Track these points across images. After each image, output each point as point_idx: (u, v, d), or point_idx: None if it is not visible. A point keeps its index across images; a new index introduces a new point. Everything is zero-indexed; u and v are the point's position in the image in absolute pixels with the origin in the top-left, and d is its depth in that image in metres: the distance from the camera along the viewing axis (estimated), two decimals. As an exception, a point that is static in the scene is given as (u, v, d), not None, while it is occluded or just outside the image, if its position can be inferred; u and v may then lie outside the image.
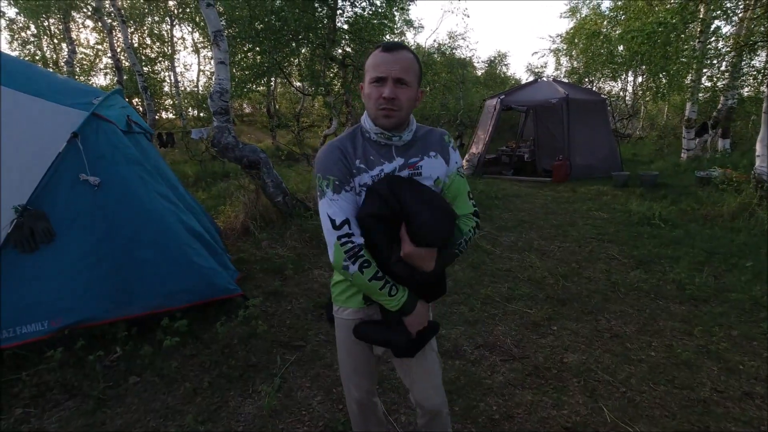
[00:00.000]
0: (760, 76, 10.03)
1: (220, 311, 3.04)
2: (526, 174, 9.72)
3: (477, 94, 18.19)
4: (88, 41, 15.82)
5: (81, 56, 15.22)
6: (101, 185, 2.68)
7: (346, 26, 9.63)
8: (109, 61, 14.49)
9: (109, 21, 11.74)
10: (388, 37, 11.92)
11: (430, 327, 1.34)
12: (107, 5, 11.26)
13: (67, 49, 11.96)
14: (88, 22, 14.01)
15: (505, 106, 9.96)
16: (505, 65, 26.47)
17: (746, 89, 11.48)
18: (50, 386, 2.37)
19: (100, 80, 17.32)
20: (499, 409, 2.21)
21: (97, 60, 15.97)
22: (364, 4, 9.33)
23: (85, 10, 12.14)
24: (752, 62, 10.68)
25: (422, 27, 34.37)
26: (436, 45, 18.24)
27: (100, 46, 15.39)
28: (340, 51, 10.04)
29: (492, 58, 26.06)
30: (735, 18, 9.55)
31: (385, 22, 10.13)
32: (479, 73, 24.22)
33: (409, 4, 10.63)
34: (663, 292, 3.53)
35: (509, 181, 9.35)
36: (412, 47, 16.43)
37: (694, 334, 2.87)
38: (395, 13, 11.02)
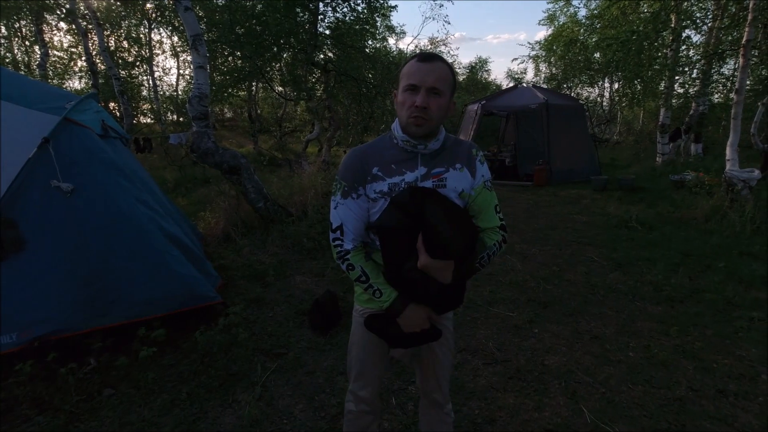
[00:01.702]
0: (729, 83, 10.43)
1: (200, 319, 2.97)
2: (508, 178, 9.85)
3: (458, 99, 18.39)
4: (61, 44, 15.40)
5: (54, 59, 14.82)
6: (75, 191, 2.60)
7: (327, 31, 9.62)
8: (84, 64, 14.16)
9: (84, 24, 11.47)
10: (369, 42, 11.99)
11: (428, 333, 1.33)
12: (82, 7, 11.00)
13: (39, 52, 11.62)
14: (62, 24, 13.66)
15: (486, 111, 10.10)
16: (486, 71, 26.91)
17: (716, 96, 11.92)
18: (20, 400, 2.28)
19: (75, 84, 16.89)
20: (482, 412, 2.22)
21: (72, 63, 15.56)
22: (345, 9, 9.35)
23: (58, 12, 11.81)
24: (721, 70, 11.10)
25: (404, 33, 34.65)
26: (417, 51, 18.39)
27: (74, 49, 15.00)
28: (322, 56, 10.03)
29: (473, 64, 26.49)
30: (704, 27, 9.92)
31: (367, 27, 10.17)
32: (461, 78, 24.53)
33: (391, 10, 10.66)
34: (640, 294, 3.61)
35: (491, 185, 9.43)
36: (394, 53, 16.56)
37: (670, 334, 2.94)
38: (377, 18, 11.06)
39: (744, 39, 6.12)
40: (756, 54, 7.56)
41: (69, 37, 14.68)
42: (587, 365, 2.62)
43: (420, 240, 1.19)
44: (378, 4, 9.66)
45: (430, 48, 20.01)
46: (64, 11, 11.25)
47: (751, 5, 6.02)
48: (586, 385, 2.42)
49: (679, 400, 2.27)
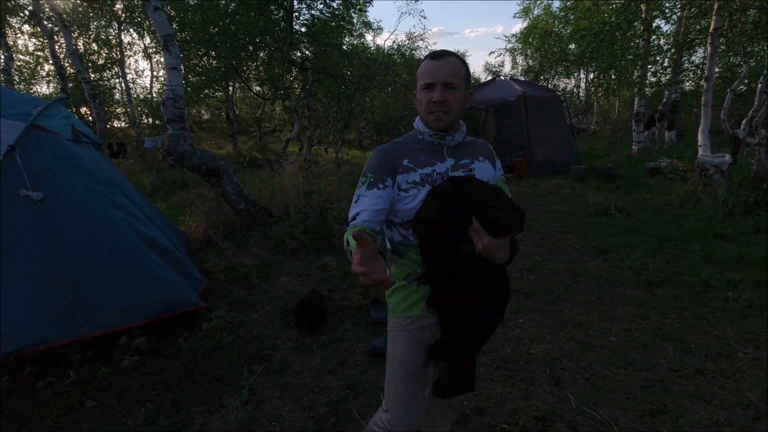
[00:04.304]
0: (698, 71, 10.70)
1: (183, 325, 2.91)
2: (489, 171, 9.91)
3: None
4: (26, 47, 14.85)
5: (19, 63, 14.29)
6: (47, 199, 2.52)
7: (303, 29, 9.52)
8: (52, 68, 13.69)
9: (50, 26, 11.08)
10: (346, 39, 11.90)
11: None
12: (47, 9, 10.63)
13: (3, 56, 11.16)
14: (26, 27, 13.15)
15: (465, 105, 10.14)
16: (464, 65, 27.01)
17: (687, 83, 12.23)
18: (-4, 418, 2.20)
19: (43, 89, 16.36)
20: (470, 403, 2.24)
21: (38, 67, 15.04)
22: (320, 6, 9.26)
23: (21, 14, 11.36)
24: (691, 58, 11.38)
25: (381, 29, 34.58)
26: (395, 46, 18.37)
27: (40, 53, 14.49)
28: (298, 54, 9.92)
29: (451, 59, 26.53)
30: (673, 17, 10.15)
31: (343, 24, 10.09)
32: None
33: (367, 5, 10.59)
34: (621, 279, 3.68)
35: (472, 178, 9.51)
36: (371, 49, 16.48)
37: (650, 318, 3.01)
38: (353, 15, 11.00)
39: (711, 27, 6.27)
40: (723, 42, 7.76)
41: (34, 40, 14.16)
42: (571, 352, 2.66)
43: (476, 223, 1.16)
44: (353, 0, 9.59)
45: (408, 43, 20.01)
46: (28, 13, 10.84)
47: (717, -6, 6.17)
48: (571, 372, 2.47)
49: (660, 381, 2.33)
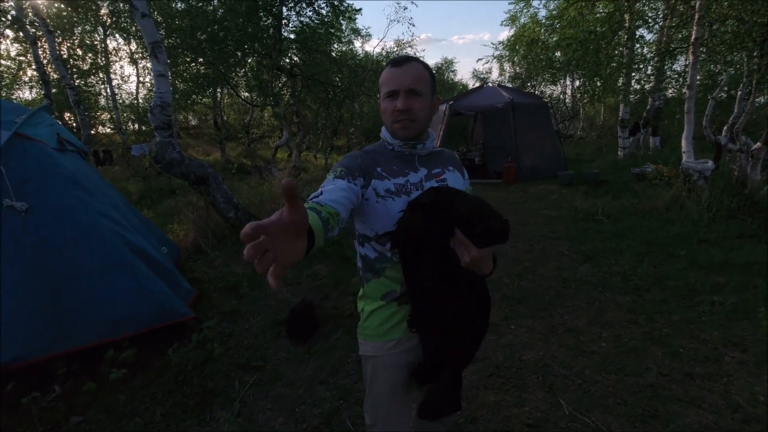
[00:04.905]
0: (681, 79, 10.96)
1: (172, 337, 2.86)
2: (477, 177, 10.00)
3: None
4: (8, 52, 14.58)
5: (1, 69, 14.03)
6: (32, 210, 2.47)
7: (292, 36, 9.53)
8: (35, 73, 13.46)
9: (33, 30, 10.90)
10: (335, 45, 11.93)
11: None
12: (30, 14, 10.46)
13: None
14: (8, 32, 12.91)
15: (453, 111, 10.23)
16: (452, 72, 27.29)
17: (670, 91, 12.52)
18: (-23, 436, 2.14)
19: (26, 94, 16.09)
20: (463, 412, 2.23)
21: (21, 73, 14.78)
22: (309, 13, 9.28)
23: (3, 19, 11.16)
24: (674, 66, 11.66)
25: (370, 35, 34.75)
26: (384, 53, 18.48)
27: (23, 58, 14.24)
28: (287, 60, 9.91)
29: (439, 65, 26.82)
30: (656, 27, 10.40)
31: (332, 31, 10.13)
32: (427, 79, 24.70)
33: (356, 14, 10.64)
34: (610, 284, 3.73)
35: (462, 184, 9.56)
36: (360, 56, 16.54)
37: (639, 323, 3.05)
38: (342, 22, 11.04)
39: (692, 37, 6.43)
40: (704, 51, 7.96)
41: (17, 45, 13.91)
42: (562, 358, 2.68)
43: (460, 235, 1.09)
44: (343, 8, 9.64)
45: (397, 50, 20.15)
46: (10, 18, 10.65)
47: (697, 5, 6.34)
48: (563, 378, 2.48)
49: (650, 386, 2.36)
